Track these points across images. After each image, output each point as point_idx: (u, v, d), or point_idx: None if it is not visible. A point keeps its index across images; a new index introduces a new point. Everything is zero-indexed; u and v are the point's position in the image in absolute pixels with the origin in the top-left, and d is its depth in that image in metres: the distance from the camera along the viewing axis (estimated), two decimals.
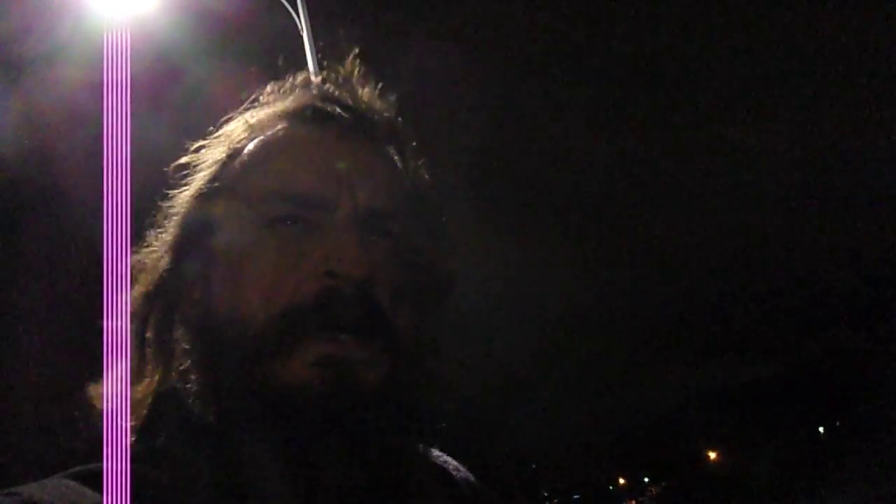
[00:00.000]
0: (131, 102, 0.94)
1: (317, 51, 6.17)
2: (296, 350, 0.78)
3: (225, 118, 0.96)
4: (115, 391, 0.84)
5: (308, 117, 0.91)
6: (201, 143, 0.95)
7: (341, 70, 0.96)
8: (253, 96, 0.97)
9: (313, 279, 0.80)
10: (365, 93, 0.95)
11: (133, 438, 0.82)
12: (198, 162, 0.93)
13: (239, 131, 0.93)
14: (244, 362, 0.78)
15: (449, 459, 1.02)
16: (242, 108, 0.96)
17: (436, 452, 1.01)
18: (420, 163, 0.97)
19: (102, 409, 0.83)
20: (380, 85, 0.97)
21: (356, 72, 0.97)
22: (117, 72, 0.96)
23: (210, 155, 0.93)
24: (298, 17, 6.31)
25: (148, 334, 0.88)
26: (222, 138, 0.94)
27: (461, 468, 1.03)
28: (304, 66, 1.04)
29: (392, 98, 0.98)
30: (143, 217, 0.93)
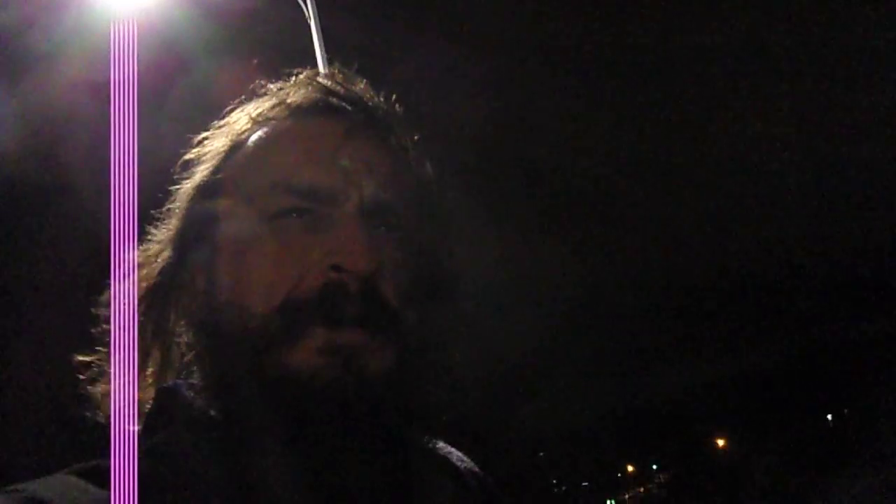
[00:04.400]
0: (138, 97, 0.93)
1: (326, 44, 6.15)
2: (301, 338, 0.78)
3: (228, 109, 0.95)
4: (121, 387, 0.84)
5: (314, 110, 0.90)
6: (204, 134, 0.94)
7: (343, 65, 0.96)
8: (254, 87, 0.96)
9: (318, 273, 0.80)
10: (368, 88, 0.94)
11: (137, 434, 0.82)
12: (201, 153, 0.92)
13: (242, 122, 0.92)
14: (248, 354, 0.78)
15: (453, 450, 1.03)
16: (246, 99, 0.95)
17: (440, 444, 1.01)
18: (425, 156, 0.96)
19: (108, 405, 0.83)
20: (388, 79, 0.96)
21: (365, 66, 0.96)
22: (124, 66, 0.96)
23: (213, 145, 0.92)
24: (306, 9, 6.28)
25: (149, 328, 0.88)
26: (225, 129, 0.93)
27: (465, 458, 1.03)
28: (311, 59, 1.02)
29: (398, 92, 0.97)
30: (150, 213, 0.93)
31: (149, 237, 0.92)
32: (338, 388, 0.76)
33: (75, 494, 0.73)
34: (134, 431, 0.80)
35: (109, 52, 0.97)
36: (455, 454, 1.02)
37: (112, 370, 0.85)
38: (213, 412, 0.80)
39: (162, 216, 0.92)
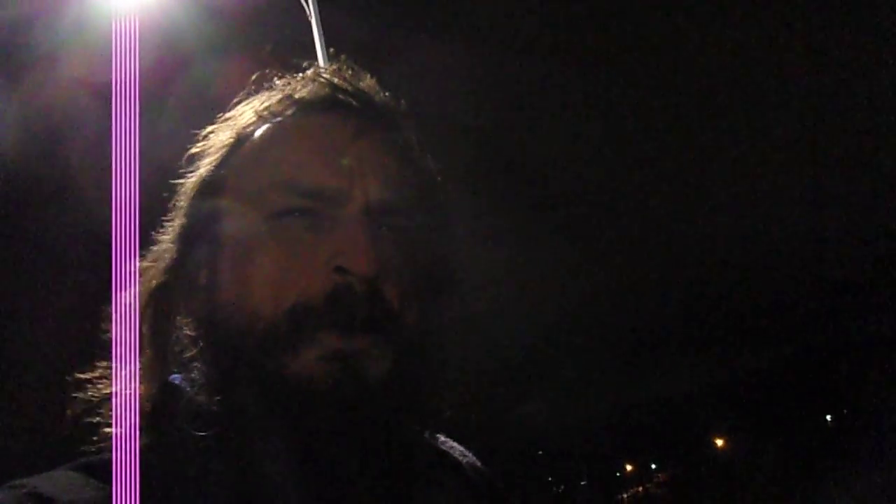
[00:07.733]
0: (139, 95, 0.93)
1: (326, 41, 6.15)
2: (305, 344, 0.77)
3: (234, 102, 0.93)
4: (124, 383, 0.84)
5: (320, 106, 0.88)
6: (210, 128, 0.93)
7: (350, 61, 0.94)
8: (259, 79, 0.94)
9: (324, 276, 0.79)
10: (374, 84, 0.93)
11: (140, 430, 0.81)
12: (205, 147, 0.91)
13: (248, 116, 0.90)
14: (252, 354, 0.78)
15: (455, 445, 1.03)
16: (252, 93, 0.93)
17: (442, 438, 1.01)
18: (428, 156, 0.95)
19: (111, 401, 0.83)
20: (387, 76, 0.95)
21: (365, 63, 0.95)
22: (125, 63, 0.96)
23: (217, 139, 0.90)
24: (308, 7, 6.28)
25: (152, 325, 0.87)
26: (230, 122, 0.91)
27: (468, 453, 1.03)
28: (312, 56, 1.00)
29: (400, 89, 0.96)
30: (151, 211, 0.92)
31: (157, 237, 0.91)
32: (336, 392, 0.76)
33: (77, 489, 0.73)
34: (137, 427, 0.80)
35: (110, 50, 0.96)
36: (458, 449, 1.02)
37: (114, 368, 0.84)
38: (214, 408, 0.80)
39: (169, 213, 0.91)
